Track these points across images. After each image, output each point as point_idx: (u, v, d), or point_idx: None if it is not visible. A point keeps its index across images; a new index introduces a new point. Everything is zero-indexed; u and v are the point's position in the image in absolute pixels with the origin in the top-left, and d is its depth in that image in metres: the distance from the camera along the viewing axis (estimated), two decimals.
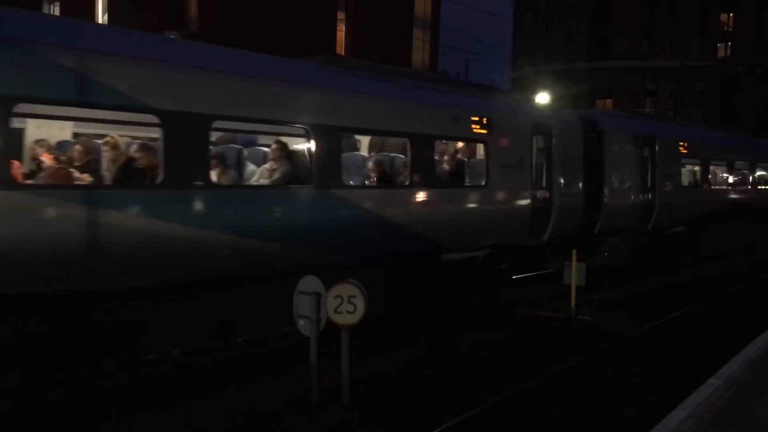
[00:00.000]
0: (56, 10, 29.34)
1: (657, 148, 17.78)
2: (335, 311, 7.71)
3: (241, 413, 7.79)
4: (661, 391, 8.76)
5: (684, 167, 20.05)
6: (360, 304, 7.67)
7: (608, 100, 58.93)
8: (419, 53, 44.97)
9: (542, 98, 25.61)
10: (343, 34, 39.06)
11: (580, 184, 15.09)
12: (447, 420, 7.34)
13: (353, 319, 7.71)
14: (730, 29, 64.81)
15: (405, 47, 42.51)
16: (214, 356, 9.19)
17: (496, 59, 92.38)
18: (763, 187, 25.44)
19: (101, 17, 28.07)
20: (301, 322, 7.98)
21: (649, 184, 17.56)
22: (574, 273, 12.89)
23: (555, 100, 36.00)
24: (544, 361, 9.93)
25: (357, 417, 7.68)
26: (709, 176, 21.31)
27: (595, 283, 14.44)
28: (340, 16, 38.71)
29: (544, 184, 13.85)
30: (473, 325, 12.12)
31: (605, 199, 15.90)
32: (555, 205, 13.96)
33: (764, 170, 25.74)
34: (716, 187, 22.01)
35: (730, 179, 22.82)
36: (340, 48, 38.33)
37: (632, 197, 17.07)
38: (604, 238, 16.46)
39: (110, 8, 27.93)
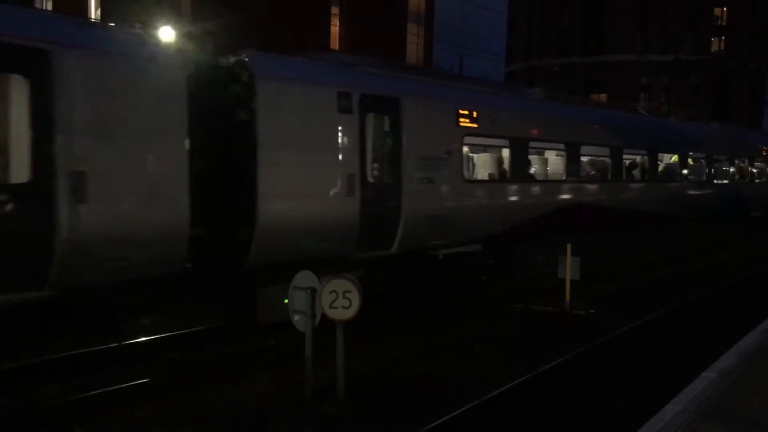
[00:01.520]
0: (49, 5, 29.19)
1: (403, 118, 10.78)
2: (330, 306, 7.71)
3: (236, 408, 7.78)
4: (656, 384, 8.78)
5: (475, 151, 13.65)
6: (355, 299, 7.67)
7: (602, 95, 59.05)
8: (414, 48, 44.96)
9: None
10: (337, 29, 39.01)
11: (172, 179, 8.13)
12: (442, 414, 7.34)
13: (348, 314, 7.71)
14: (724, 23, 65.02)
15: (399, 42, 42.49)
16: (208, 352, 9.18)
17: (491, 54, 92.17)
18: (639, 184, 17.88)
19: (94, 12, 27.95)
20: (296, 318, 7.99)
21: (387, 177, 10.71)
22: (569, 267, 12.87)
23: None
24: (538, 354, 9.94)
25: (352, 411, 7.68)
26: (533, 165, 14.64)
27: (591, 277, 14.43)
28: (334, 11, 38.66)
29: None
30: (468, 319, 12.13)
31: (263, 205, 8.91)
32: (68, 224, 7.12)
33: (647, 158, 17.88)
34: (551, 182, 14.86)
35: (583, 171, 15.56)
36: (335, 43, 38.29)
37: (341, 200, 9.83)
38: (282, 271, 8.74)
39: (103, 2, 27.80)
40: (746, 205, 23.21)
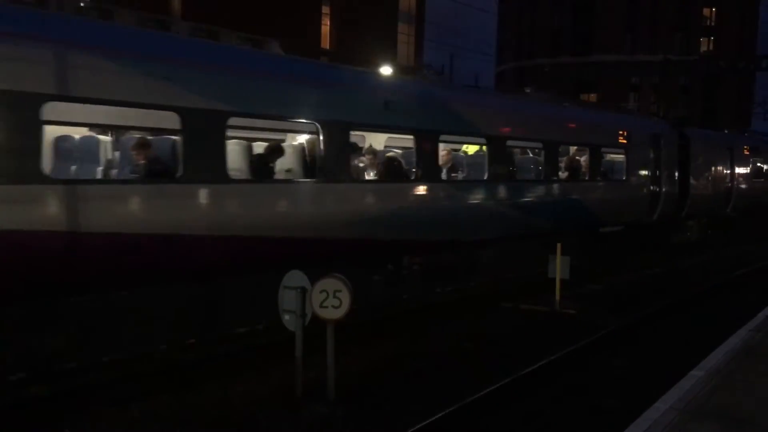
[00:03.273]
0: None
1: None
2: (320, 306, 7.72)
3: (226, 407, 7.78)
4: (643, 383, 8.83)
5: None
6: (345, 298, 7.68)
7: (592, 95, 59.29)
8: (404, 47, 45.01)
9: None
10: (328, 28, 39.00)
11: None
12: (432, 413, 7.36)
13: (338, 313, 7.72)
14: (712, 24, 65.46)
15: (390, 41, 42.51)
16: (198, 351, 9.17)
17: (481, 54, 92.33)
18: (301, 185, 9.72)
19: None
20: (286, 317, 7.99)
21: None
22: (559, 266, 12.93)
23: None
24: (527, 353, 9.97)
25: (342, 411, 7.69)
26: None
27: (581, 277, 14.48)
28: (325, 10, 38.64)
29: None
30: (458, 318, 12.16)
31: None
32: None
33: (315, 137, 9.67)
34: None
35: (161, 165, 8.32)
36: (325, 42, 38.30)
37: None
38: None
39: None
40: (590, 216, 15.73)
